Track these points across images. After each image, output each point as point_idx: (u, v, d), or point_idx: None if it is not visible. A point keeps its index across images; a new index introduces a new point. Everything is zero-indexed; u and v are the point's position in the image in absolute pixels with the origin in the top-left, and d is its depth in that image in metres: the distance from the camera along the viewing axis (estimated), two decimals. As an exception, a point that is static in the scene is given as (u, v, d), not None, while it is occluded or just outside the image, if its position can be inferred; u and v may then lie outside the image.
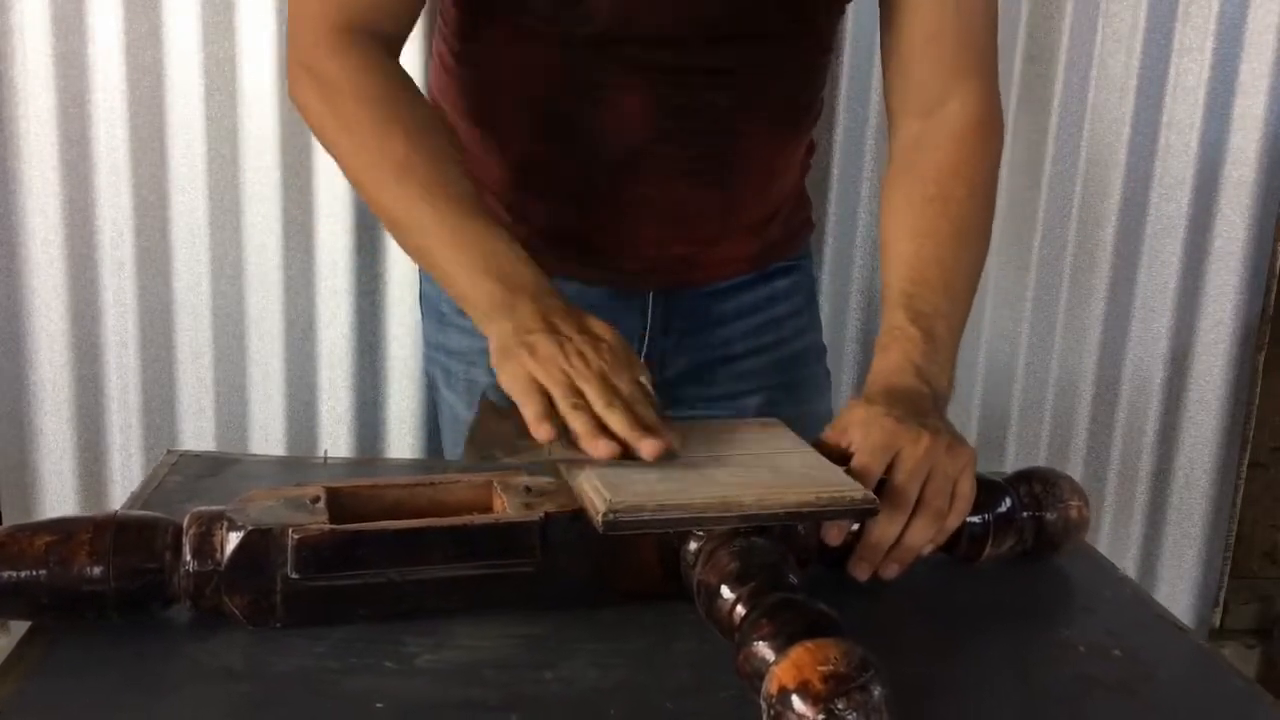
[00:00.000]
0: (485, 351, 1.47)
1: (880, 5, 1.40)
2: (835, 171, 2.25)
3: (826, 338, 1.75)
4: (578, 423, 1.03)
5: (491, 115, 1.41)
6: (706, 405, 1.53)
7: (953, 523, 1.08)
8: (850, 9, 1.46)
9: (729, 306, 1.54)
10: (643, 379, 1.11)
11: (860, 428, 1.11)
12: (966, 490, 1.09)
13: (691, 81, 1.35)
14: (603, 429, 1.03)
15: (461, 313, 1.48)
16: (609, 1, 1.27)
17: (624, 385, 1.07)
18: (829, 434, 1.14)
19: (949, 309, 1.26)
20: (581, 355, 1.08)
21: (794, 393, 1.57)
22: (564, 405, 1.04)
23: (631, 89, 1.34)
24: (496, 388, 1.11)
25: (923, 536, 1.07)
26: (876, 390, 1.18)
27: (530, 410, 1.04)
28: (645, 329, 1.50)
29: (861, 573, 1.08)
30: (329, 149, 1.29)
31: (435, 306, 1.58)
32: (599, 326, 1.13)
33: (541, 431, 1.03)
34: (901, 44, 1.38)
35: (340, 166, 1.28)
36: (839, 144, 2.24)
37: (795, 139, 1.51)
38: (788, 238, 1.58)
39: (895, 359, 1.21)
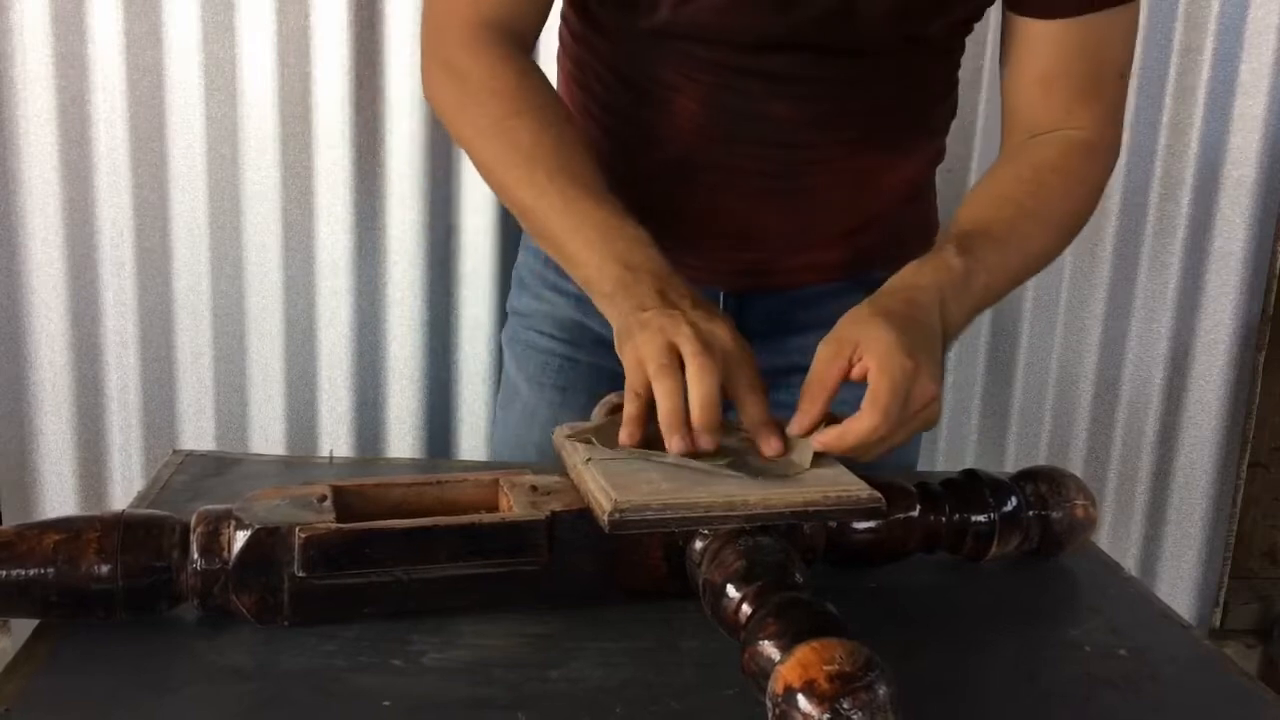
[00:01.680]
0: (548, 316, 1.53)
1: (1001, 36, 1.35)
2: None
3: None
4: (665, 397, 1.02)
5: (573, 103, 1.44)
6: (774, 412, 1.43)
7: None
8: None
9: (813, 314, 1.40)
10: (752, 370, 1.08)
11: (876, 360, 1.05)
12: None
13: (748, 88, 1.32)
14: (685, 421, 1.02)
15: (538, 277, 1.54)
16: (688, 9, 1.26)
17: (736, 367, 1.06)
18: (839, 343, 1.09)
19: (996, 267, 1.22)
20: (694, 326, 1.06)
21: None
22: (653, 367, 1.03)
23: (687, 91, 1.33)
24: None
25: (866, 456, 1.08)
26: (897, 305, 1.12)
27: (630, 409, 1.06)
28: None
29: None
30: (461, 141, 1.32)
31: (519, 275, 1.60)
32: (712, 307, 1.11)
33: (625, 435, 1.05)
34: (1014, 81, 1.34)
35: (472, 158, 1.30)
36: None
37: (895, 156, 1.43)
38: (889, 246, 1.42)
39: (927, 282, 1.16)
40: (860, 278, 1.38)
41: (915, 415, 1.07)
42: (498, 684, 0.92)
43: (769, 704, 0.79)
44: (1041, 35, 1.29)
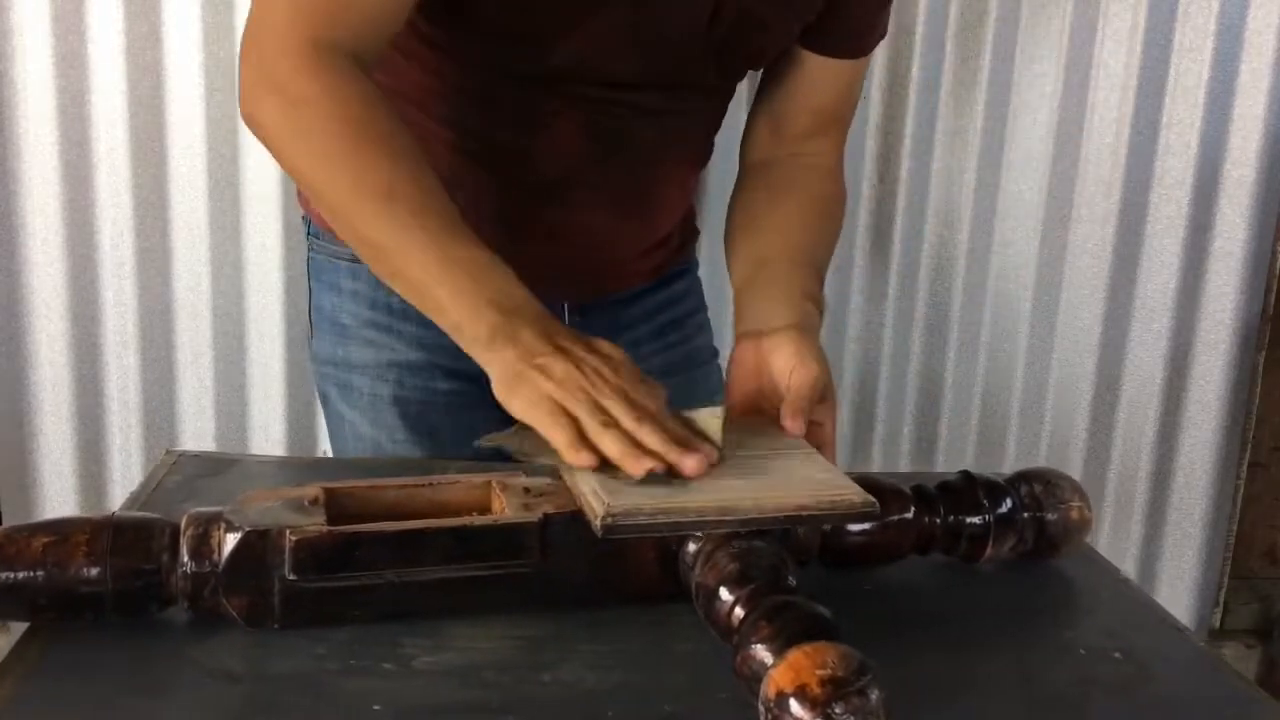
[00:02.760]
0: (391, 365, 1.47)
1: (777, 67, 1.47)
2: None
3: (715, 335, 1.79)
4: (612, 444, 0.99)
5: (412, 126, 1.30)
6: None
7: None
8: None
9: (635, 311, 1.60)
10: (658, 389, 1.09)
11: (831, 407, 1.21)
12: None
13: (626, 114, 1.38)
14: (639, 446, 1.00)
15: (368, 324, 1.47)
16: (570, 49, 1.29)
17: (648, 400, 1.05)
18: (816, 381, 1.19)
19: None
20: (598, 372, 1.05)
21: (695, 388, 1.60)
22: (593, 426, 1.01)
23: (566, 117, 1.36)
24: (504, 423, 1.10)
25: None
26: (806, 338, 1.23)
27: (561, 437, 1.01)
28: None
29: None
30: (294, 169, 1.21)
31: (332, 319, 1.53)
32: (607, 346, 1.10)
33: (581, 459, 1.00)
34: (786, 106, 1.48)
35: (307, 187, 1.22)
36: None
37: (700, 167, 1.59)
38: (682, 246, 1.66)
39: (817, 325, 1.29)
40: (664, 275, 1.61)
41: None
42: (489, 687, 0.92)
43: (761, 708, 0.80)
44: (821, 71, 1.44)
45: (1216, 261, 2.45)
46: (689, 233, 1.69)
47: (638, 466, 0.99)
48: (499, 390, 1.07)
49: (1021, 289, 2.42)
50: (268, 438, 2.30)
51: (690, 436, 1.04)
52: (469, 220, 1.17)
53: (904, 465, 2.47)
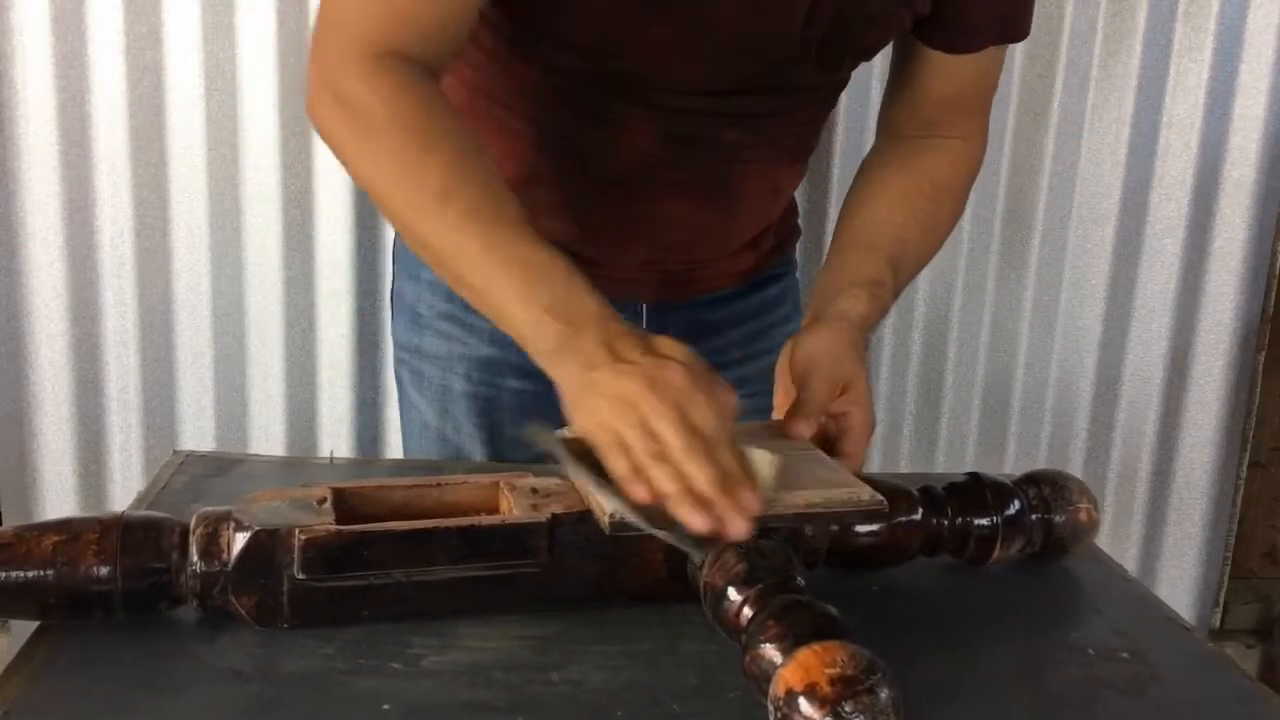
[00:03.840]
0: (462, 358, 1.46)
1: (894, 55, 1.42)
2: (834, 181, 2.27)
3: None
4: (665, 483, 0.95)
5: (492, 121, 1.37)
6: None
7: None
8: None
9: (721, 315, 1.54)
10: (722, 397, 1.03)
11: (861, 414, 1.17)
12: None
13: (704, 120, 1.34)
14: (688, 488, 0.95)
15: (442, 316, 1.47)
16: (643, 58, 1.26)
17: (699, 414, 0.99)
18: (836, 379, 1.17)
19: (902, 285, 1.35)
20: (650, 381, 0.99)
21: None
22: (643, 459, 0.96)
23: (642, 119, 1.33)
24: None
25: None
26: (857, 340, 1.22)
27: (619, 468, 0.97)
28: None
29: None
30: (360, 177, 1.20)
31: (411, 306, 1.53)
32: (667, 346, 1.05)
33: (637, 493, 0.96)
34: (913, 95, 1.41)
35: (375, 198, 1.19)
36: (839, 150, 2.26)
37: (797, 164, 1.51)
38: (779, 247, 1.59)
39: (868, 312, 1.26)
40: (755, 281, 1.55)
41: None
42: (497, 687, 0.92)
43: (770, 707, 0.80)
44: (946, 65, 1.37)
45: (1216, 261, 2.45)
46: (787, 233, 1.61)
47: (693, 521, 0.94)
48: (566, 407, 1.05)
49: (1022, 289, 2.42)
50: (268, 438, 2.30)
51: (738, 474, 0.98)
52: (543, 212, 1.17)
53: (904, 465, 2.47)
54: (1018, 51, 2.28)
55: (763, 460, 1.03)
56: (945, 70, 1.37)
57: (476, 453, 1.48)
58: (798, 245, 1.66)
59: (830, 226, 2.26)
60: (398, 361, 1.57)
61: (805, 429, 1.12)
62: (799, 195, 2.24)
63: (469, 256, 1.11)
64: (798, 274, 1.68)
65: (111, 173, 2.15)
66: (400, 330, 1.55)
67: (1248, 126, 2.38)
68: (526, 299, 1.07)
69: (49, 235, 2.15)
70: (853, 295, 1.25)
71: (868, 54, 1.39)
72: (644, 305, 1.47)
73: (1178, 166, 2.39)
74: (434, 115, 1.16)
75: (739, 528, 0.94)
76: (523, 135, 1.37)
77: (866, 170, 1.43)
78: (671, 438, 0.96)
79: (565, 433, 1.07)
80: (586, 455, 1.01)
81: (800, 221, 1.65)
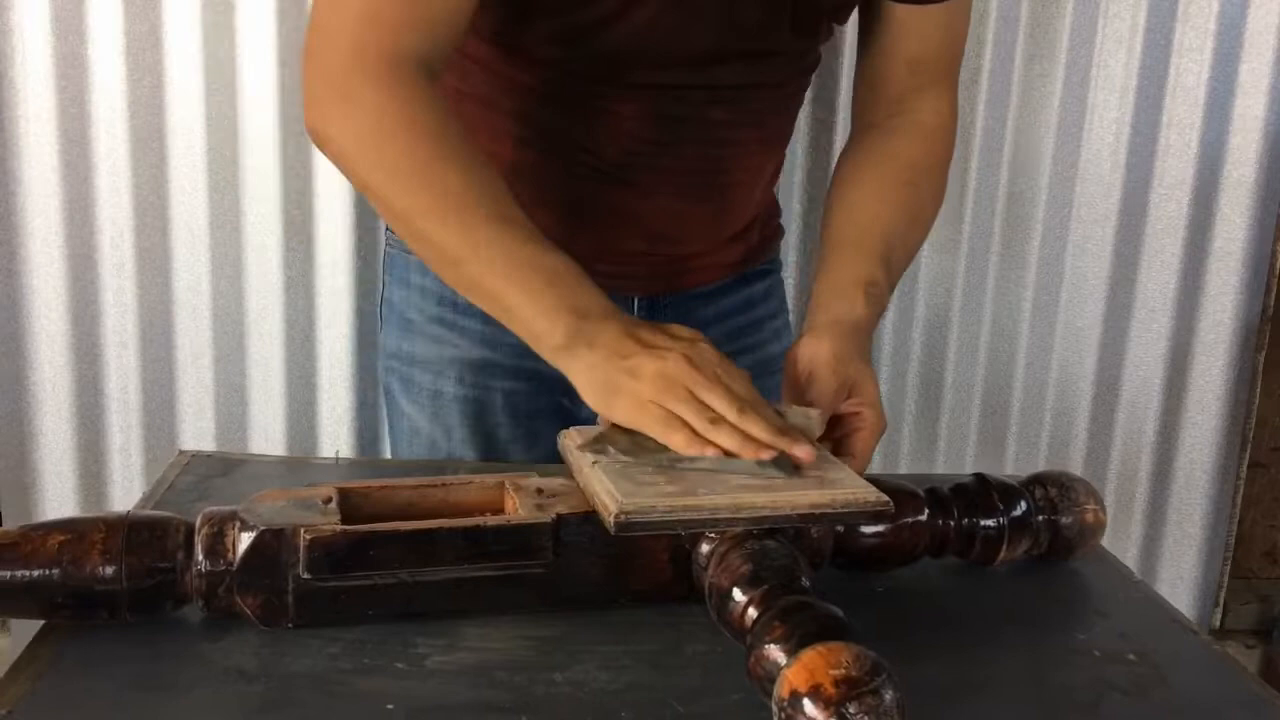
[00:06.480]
0: (454, 361, 1.46)
1: (861, 23, 1.42)
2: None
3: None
4: (727, 439, 1.01)
5: (482, 125, 1.37)
6: None
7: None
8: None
9: (710, 310, 1.54)
10: (749, 379, 1.10)
11: (870, 417, 1.17)
12: None
13: (690, 97, 1.35)
14: (750, 438, 1.02)
15: (433, 320, 1.47)
16: (624, 35, 1.26)
17: (738, 384, 1.06)
18: (843, 383, 1.17)
19: (895, 277, 1.34)
20: (689, 360, 1.05)
21: (771, 395, 1.53)
22: (701, 425, 1.02)
23: (628, 102, 1.33)
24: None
25: None
26: (862, 343, 1.22)
27: (678, 439, 1.02)
28: None
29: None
30: (366, 183, 1.18)
31: (400, 313, 1.53)
32: (685, 332, 1.11)
33: (706, 450, 1.02)
34: (882, 63, 1.41)
35: (380, 201, 1.19)
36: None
37: (779, 149, 1.53)
38: (764, 243, 1.60)
39: (869, 315, 1.25)
40: (744, 273, 1.56)
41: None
42: (502, 687, 0.92)
43: (775, 708, 0.80)
44: (911, 20, 1.37)
45: (1216, 261, 2.45)
46: (772, 230, 1.63)
47: (758, 454, 1.01)
48: (592, 400, 1.08)
49: (1022, 289, 2.42)
50: (268, 438, 2.30)
51: (789, 426, 1.06)
52: (533, 207, 1.17)
53: (904, 465, 2.47)
54: (1018, 51, 2.28)
55: (800, 414, 1.11)
56: (913, 29, 1.38)
57: (468, 457, 1.49)
58: (790, 244, 1.66)
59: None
60: (386, 371, 1.57)
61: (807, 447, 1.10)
62: (798, 192, 2.26)
63: (486, 262, 1.12)
64: (782, 273, 1.69)
65: (111, 173, 2.14)
66: (390, 338, 1.55)
67: (1248, 126, 2.38)
68: (541, 297, 1.10)
69: (49, 235, 2.15)
70: (849, 298, 1.25)
71: (840, 14, 1.40)
72: (635, 299, 1.47)
73: (1178, 166, 2.39)
74: (446, 121, 1.17)
75: (805, 451, 1.02)
76: (510, 135, 1.38)
77: (843, 166, 1.42)
78: (723, 406, 1.03)
79: (588, 430, 1.10)
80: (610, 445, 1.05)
81: (799, 220, 1.66)
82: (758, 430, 1.02)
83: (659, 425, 1.03)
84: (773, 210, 1.63)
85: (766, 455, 1.01)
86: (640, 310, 1.48)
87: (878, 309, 1.27)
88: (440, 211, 1.14)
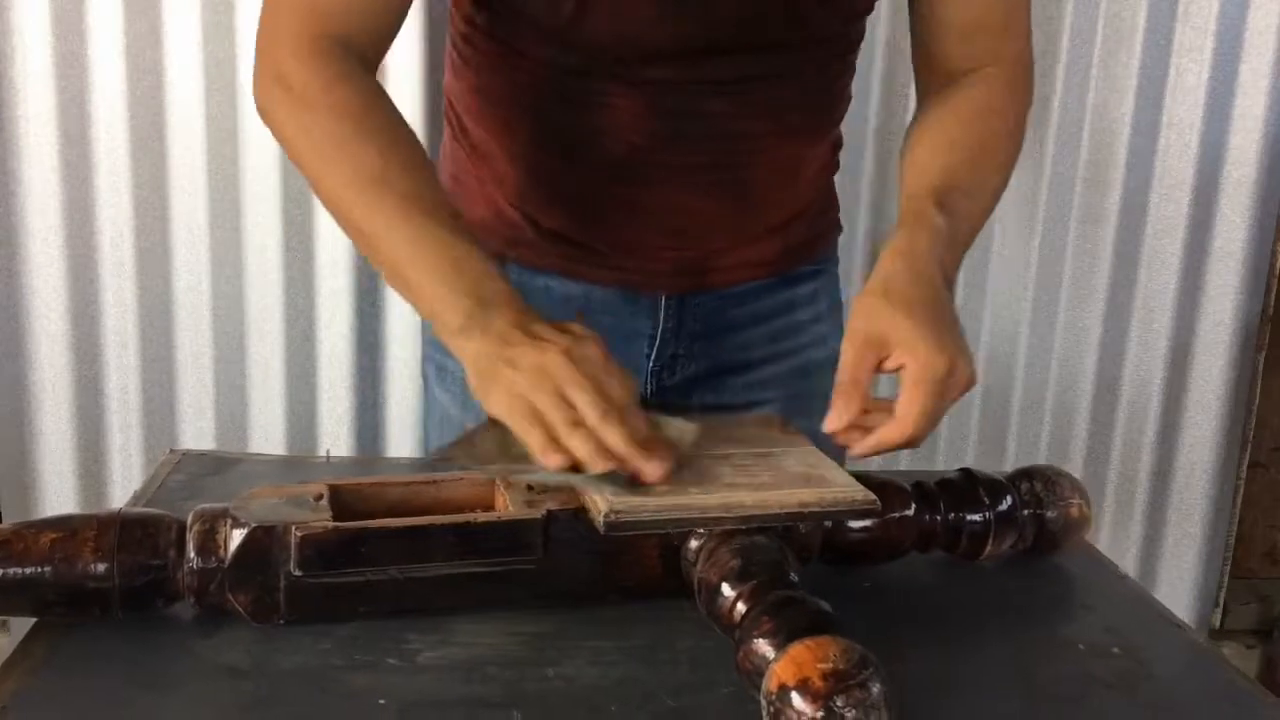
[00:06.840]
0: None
1: (910, 15, 1.38)
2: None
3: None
4: (579, 445, 0.99)
5: (496, 122, 1.39)
6: (718, 413, 1.46)
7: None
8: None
9: (746, 311, 1.49)
10: (628, 375, 1.07)
11: (914, 366, 1.07)
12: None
13: (688, 91, 1.33)
14: (603, 448, 1.00)
15: None
16: (607, 28, 1.26)
17: (612, 385, 1.03)
18: (866, 343, 1.09)
19: (970, 215, 1.25)
20: (567, 354, 1.03)
21: (810, 404, 1.41)
22: (560, 426, 1.00)
23: (624, 97, 1.32)
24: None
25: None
26: (907, 285, 1.13)
27: (534, 440, 1.01)
28: (655, 330, 1.45)
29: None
30: (297, 159, 1.22)
31: None
32: (579, 329, 1.09)
33: (551, 461, 0.99)
34: (934, 32, 1.36)
35: (309, 176, 1.22)
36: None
37: (812, 141, 1.45)
38: (812, 240, 1.52)
39: (924, 248, 1.17)
40: (787, 274, 1.49)
41: (954, 398, 1.09)
42: (493, 682, 0.92)
43: (763, 702, 0.80)
44: None
45: (1216, 261, 2.46)
46: (823, 227, 1.55)
47: (600, 466, 0.99)
48: (473, 385, 1.07)
49: (1021, 289, 2.42)
50: (267, 438, 2.30)
51: (653, 438, 1.03)
52: (550, 204, 1.20)
53: (903, 464, 2.47)
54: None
55: (679, 428, 1.07)
56: (955, 5, 1.33)
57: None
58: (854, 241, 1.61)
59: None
60: (424, 359, 1.59)
61: (834, 418, 1.07)
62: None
63: (395, 240, 1.14)
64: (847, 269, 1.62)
65: (111, 173, 2.15)
66: (428, 326, 1.55)
67: (1248, 126, 2.38)
68: (444, 278, 1.11)
69: (49, 235, 2.16)
70: (891, 249, 1.17)
71: (860, 3, 1.35)
72: (663, 296, 1.44)
73: (1178, 166, 2.39)
74: (370, 102, 1.21)
75: (655, 470, 0.99)
76: (522, 132, 1.38)
77: (907, 134, 1.37)
78: (586, 406, 1.00)
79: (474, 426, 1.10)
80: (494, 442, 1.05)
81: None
82: (614, 438, 0.99)
83: (523, 420, 1.02)
84: (823, 206, 1.54)
85: (605, 466, 0.99)
86: (669, 310, 1.45)
87: (930, 237, 1.18)
88: (354, 190, 1.16)
